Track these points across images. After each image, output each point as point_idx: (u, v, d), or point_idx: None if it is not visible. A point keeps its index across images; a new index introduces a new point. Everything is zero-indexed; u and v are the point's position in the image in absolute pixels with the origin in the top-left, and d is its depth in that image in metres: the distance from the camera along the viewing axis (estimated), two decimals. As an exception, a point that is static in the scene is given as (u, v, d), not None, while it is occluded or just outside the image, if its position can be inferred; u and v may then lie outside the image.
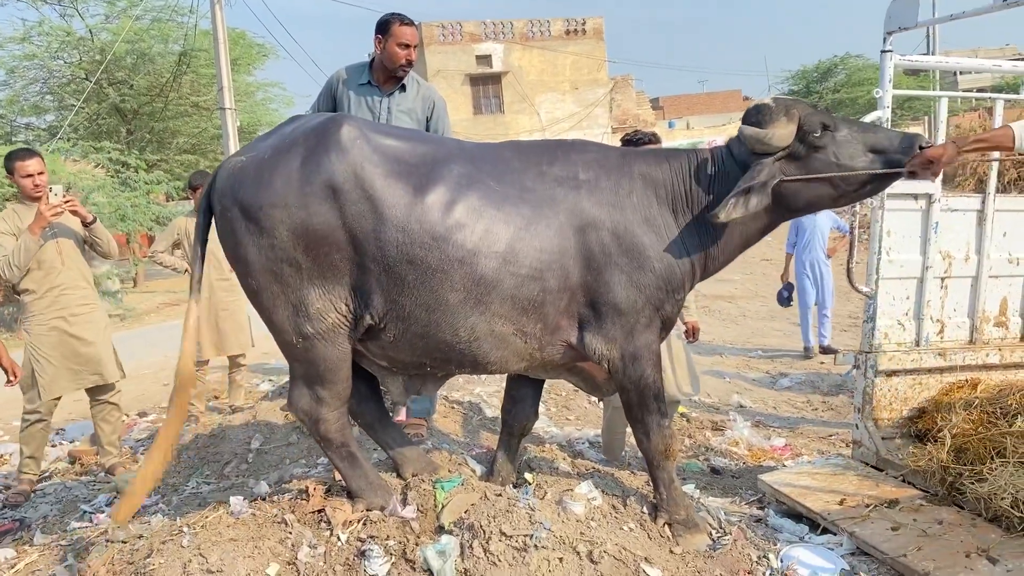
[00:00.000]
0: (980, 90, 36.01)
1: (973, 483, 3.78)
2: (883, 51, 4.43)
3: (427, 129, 4.72)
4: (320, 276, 3.14)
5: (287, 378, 7.40)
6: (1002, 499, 3.57)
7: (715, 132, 37.72)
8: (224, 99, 16.99)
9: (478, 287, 3.13)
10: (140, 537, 3.39)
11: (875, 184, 3.38)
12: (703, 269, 3.47)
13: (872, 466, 4.46)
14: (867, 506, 3.95)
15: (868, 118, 4.19)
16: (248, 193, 3.12)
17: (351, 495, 3.48)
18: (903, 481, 4.21)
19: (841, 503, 4.02)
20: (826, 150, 3.25)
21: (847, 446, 5.27)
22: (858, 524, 3.78)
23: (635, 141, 4.80)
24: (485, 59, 34.55)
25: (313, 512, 3.39)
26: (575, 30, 36.13)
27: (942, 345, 4.69)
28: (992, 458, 3.86)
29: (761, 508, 4.33)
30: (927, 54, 31.64)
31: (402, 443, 3.76)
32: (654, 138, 4.80)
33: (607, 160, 3.40)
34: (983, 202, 4.65)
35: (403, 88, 4.63)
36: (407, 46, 4.47)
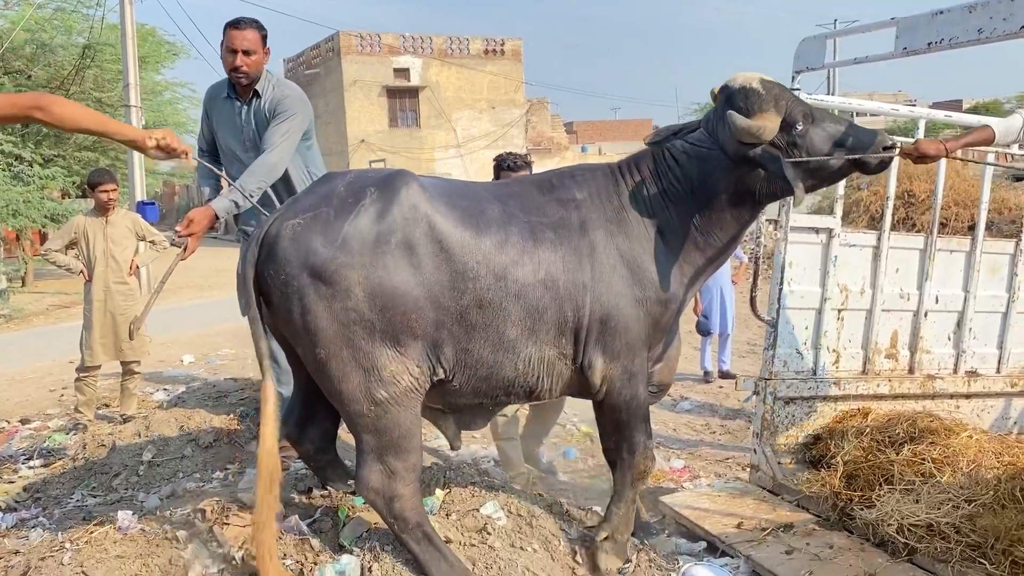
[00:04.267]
0: (875, 132, 37.92)
1: (862, 509, 3.91)
2: (791, 90, 4.59)
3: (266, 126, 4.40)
4: (393, 337, 3.03)
5: (183, 387, 7.21)
6: (888, 525, 3.69)
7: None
8: (130, 96, 16.39)
9: (530, 317, 3.21)
10: (16, 553, 3.19)
11: (840, 175, 3.50)
12: (698, 268, 3.53)
13: (769, 490, 4.57)
14: (763, 530, 4.04)
15: None
16: (320, 255, 2.96)
17: None
18: (798, 506, 4.33)
19: (739, 526, 4.11)
20: (802, 142, 3.31)
21: (743, 469, 5.40)
22: (754, 547, 3.86)
23: (508, 166, 4.77)
24: (403, 72, 34.39)
25: (206, 529, 3.26)
26: (494, 50, 36.39)
27: (837, 374, 4.87)
28: (880, 485, 4.02)
29: (661, 529, 4.39)
30: (828, 95, 33.21)
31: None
32: (526, 162, 4.78)
33: (595, 179, 3.48)
34: (879, 239, 4.85)
35: (257, 95, 4.46)
36: (234, 51, 4.32)
